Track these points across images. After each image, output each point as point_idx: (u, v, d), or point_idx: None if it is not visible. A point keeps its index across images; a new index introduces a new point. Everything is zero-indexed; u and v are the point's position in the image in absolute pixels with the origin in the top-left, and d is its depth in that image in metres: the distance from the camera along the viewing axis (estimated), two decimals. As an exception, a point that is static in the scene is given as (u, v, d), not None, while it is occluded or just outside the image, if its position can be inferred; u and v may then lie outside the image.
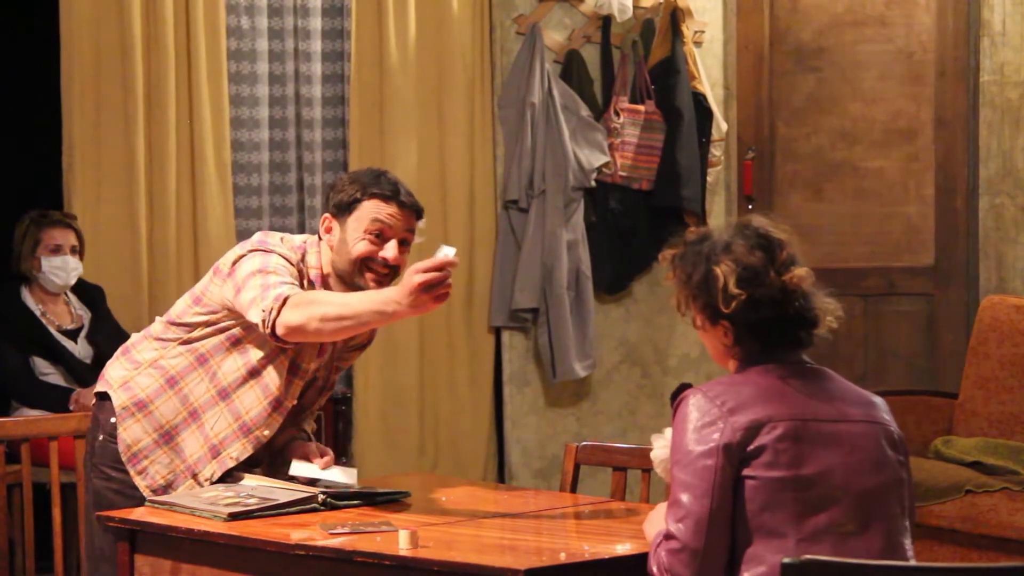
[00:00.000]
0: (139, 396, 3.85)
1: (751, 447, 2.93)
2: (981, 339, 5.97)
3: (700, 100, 6.88)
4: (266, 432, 3.83)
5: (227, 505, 3.55)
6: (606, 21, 6.86)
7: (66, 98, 6.05)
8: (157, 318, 3.98)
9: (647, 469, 4.01)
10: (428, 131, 6.71)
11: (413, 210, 3.82)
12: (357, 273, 3.77)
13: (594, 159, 6.77)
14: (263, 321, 3.60)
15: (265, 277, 3.68)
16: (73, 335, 5.79)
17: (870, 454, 3.00)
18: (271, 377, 3.80)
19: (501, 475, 6.90)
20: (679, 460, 2.98)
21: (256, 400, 3.81)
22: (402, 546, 3.18)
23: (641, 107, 6.82)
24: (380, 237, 3.77)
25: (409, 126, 6.65)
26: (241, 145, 6.49)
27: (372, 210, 3.77)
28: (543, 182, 6.69)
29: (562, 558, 3.18)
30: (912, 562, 2.97)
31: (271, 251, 3.76)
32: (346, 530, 3.37)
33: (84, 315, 5.85)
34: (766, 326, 3.04)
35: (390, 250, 3.77)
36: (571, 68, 6.86)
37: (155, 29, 6.10)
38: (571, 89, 6.81)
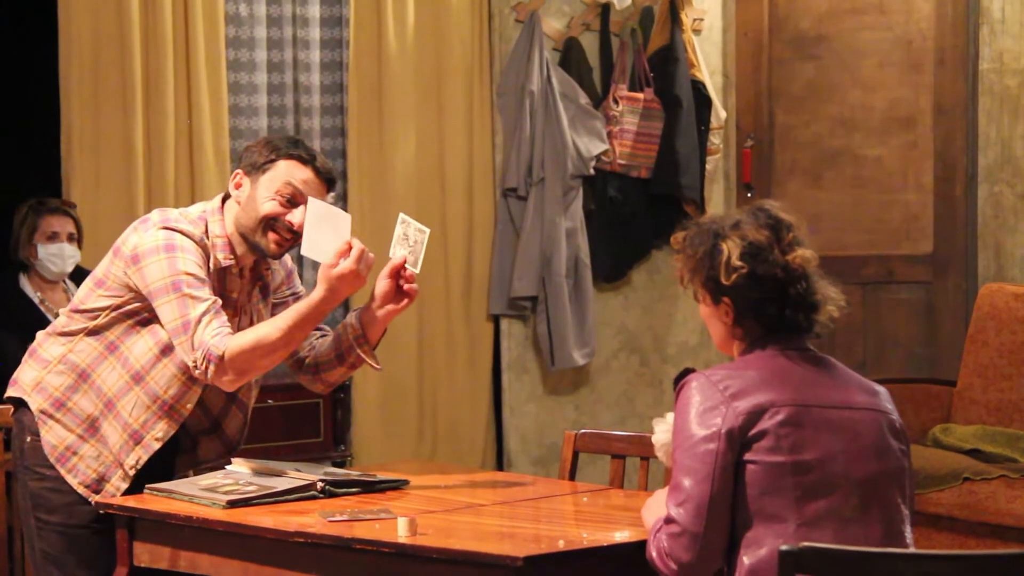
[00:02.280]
0: (54, 395, 3.81)
1: (753, 431, 2.93)
2: (980, 327, 5.97)
3: (699, 88, 6.88)
4: (188, 406, 3.79)
5: (226, 492, 3.55)
6: (605, 9, 6.86)
7: (64, 86, 6.04)
8: (60, 311, 3.95)
9: (646, 457, 4.01)
10: (427, 119, 6.70)
11: (326, 180, 3.81)
12: (260, 232, 3.76)
13: (593, 147, 6.77)
14: (195, 371, 3.66)
15: (182, 301, 3.66)
16: (72, 323, 5.78)
17: (872, 441, 3.00)
18: None
19: (500, 463, 6.91)
20: (681, 444, 2.99)
21: (173, 377, 3.76)
22: (401, 533, 3.19)
23: (640, 95, 6.82)
24: (290, 202, 3.76)
25: (408, 114, 6.64)
26: (240, 133, 6.48)
27: (286, 171, 3.76)
28: (542, 170, 6.69)
29: (560, 545, 3.18)
30: (910, 549, 2.98)
31: (174, 244, 3.70)
32: (345, 517, 3.37)
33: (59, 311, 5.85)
34: (767, 305, 3.05)
35: (297, 215, 3.75)
36: (570, 56, 6.85)
37: (153, 17, 6.09)
38: (570, 77, 6.80)
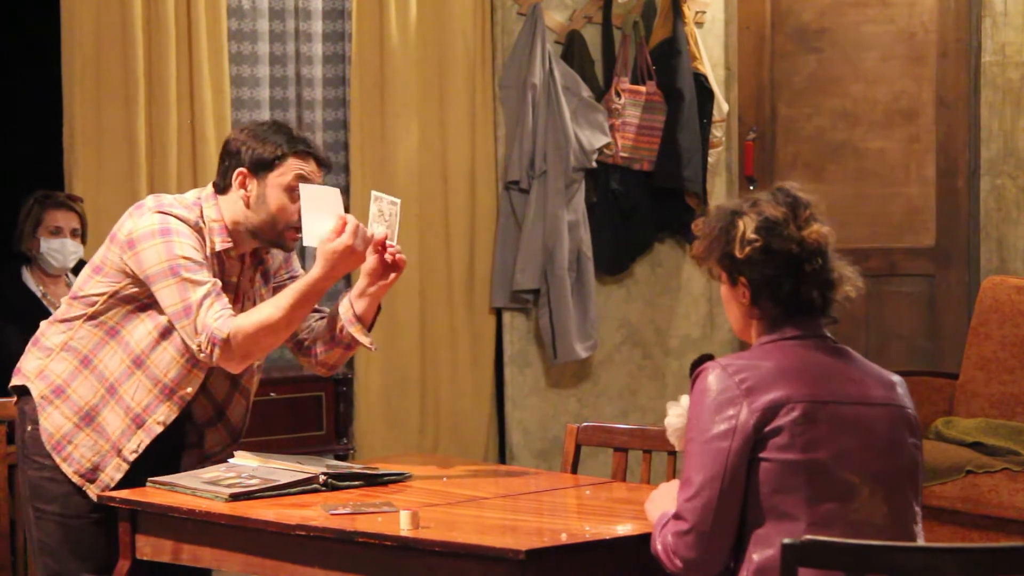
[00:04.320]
0: (55, 382, 3.82)
1: (768, 428, 2.90)
2: (982, 320, 5.97)
3: (701, 81, 6.87)
4: (189, 390, 3.80)
5: (228, 485, 3.55)
6: (607, 1, 6.85)
7: (67, 79, 6.04)
8: (63, 299, 3.97)
9: (648, 450, 4.01)
10: (429, 112, 6.70)
11: (326, 166, 3.87)
12: (279, 233, 3.80)
13: (595, 140, 6.76)
14: (199, 354, 3.69)
15: (182, 285, 3.67)
16: (74, 316, 5.78)
17: (887, 439, 2.97)
18: None
19: (502, 456, 6.91)
20: (694, 437, 2.96)
21: (172, 360, 3.78)
22: (403, 527, 3.19)
23: (642, 88, 6.82)
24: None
25: (410, 107, 6.64)
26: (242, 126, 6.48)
27: (295, 169, 3.78)
28: (544, 163, 6.69)
29: (563, 539, 3.18)
30: (913, 543, 2.97)
31: (170, 228, 3.72)
32: (347, 511, 3.37)
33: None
34: (782, 282, 3.01)
35: None
36: (572, 49, 6.85)
37: (156, 9, 6.09)
38: (572, 70, 6.80)
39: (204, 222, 3.79)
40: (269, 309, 3.70)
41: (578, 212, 6.76)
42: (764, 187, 6.93)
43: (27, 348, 3.95)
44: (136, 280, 3.74)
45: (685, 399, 3.13)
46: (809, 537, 2.71)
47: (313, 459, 3.91)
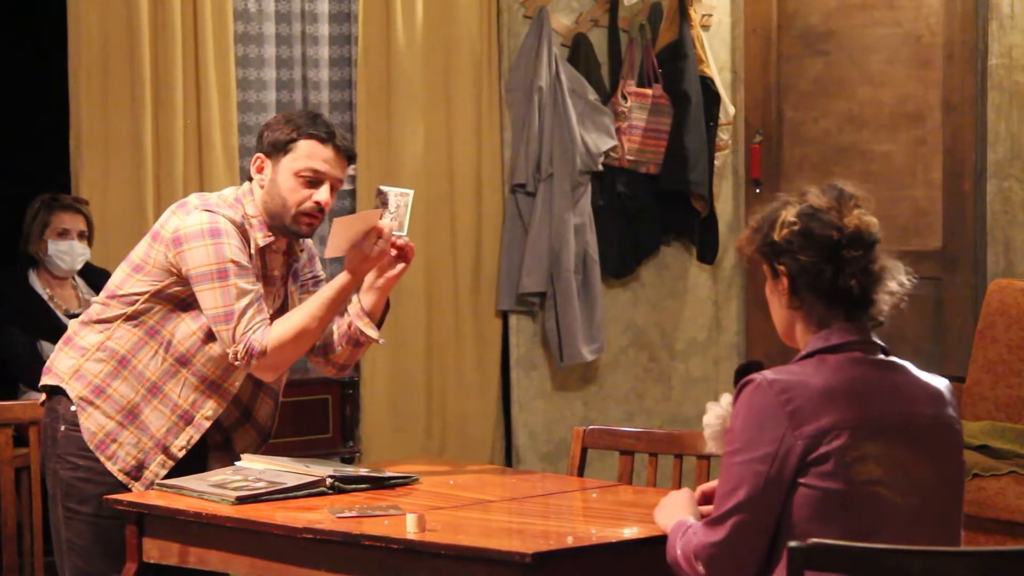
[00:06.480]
0: (94, 382, 3.81)
1: (812, 456, 2.82)
2: (989, 323, 5.96)
3: (708, 84, 6.88)
4: (236, 384, 3.83)
5: (235, 489, 3.55)
6: (613, 4, 6.85)
7: (73, 81, 6.04)
8: (93, 300, 3.96)
9: (654, 453, 4.01)
10: (435, 115, 6.70)
11: (347, 155, 3.83)
12: (290, 217, 3.79)
13: (601, 143, 6.77)
14: (233, 361, 3.72)
15: (227, 290, 3.69)
16: (81, 319, 5.78)
17: (934, 461, 2.92)
18: None
19: (508, 459, 6.91)
20: (733, 452, 2.89)
21: (220, 358, 3.79)
22: (409, 530, 3.19)
23: (648, 91, 6.82)
24: (312, 183, 3.78)
25: (416, 110, 6.64)
26: (248, 129, 6.48)
27: (307, 153, 3.78)
28: (550, 166, 6.69)
29: (569, 541, 3.18)
30: (918, 547, 2.95)
31: (219, 229, 3.73)
32: (354, 514, 3.37)
33: (91, 300, 5.85)
34: (822, 270, 2.91)
35: (323, 193, 3.79)
36: (578, 52, 6.85)
37: (162, 12, 6.10)
38: (578, 73, 6.80)
39: (247, 220, 3.80)
40: (304, 320, 3.73)
41: (584, 215, 6.76)
42: (770, 190, 6.95)
43: (58, 347, 3.92)
44: (180, 279, 3.75)
45: (725, 398, 3.05)
46: (815, 540, 2.69)
47: (319, 462, 3.91)
